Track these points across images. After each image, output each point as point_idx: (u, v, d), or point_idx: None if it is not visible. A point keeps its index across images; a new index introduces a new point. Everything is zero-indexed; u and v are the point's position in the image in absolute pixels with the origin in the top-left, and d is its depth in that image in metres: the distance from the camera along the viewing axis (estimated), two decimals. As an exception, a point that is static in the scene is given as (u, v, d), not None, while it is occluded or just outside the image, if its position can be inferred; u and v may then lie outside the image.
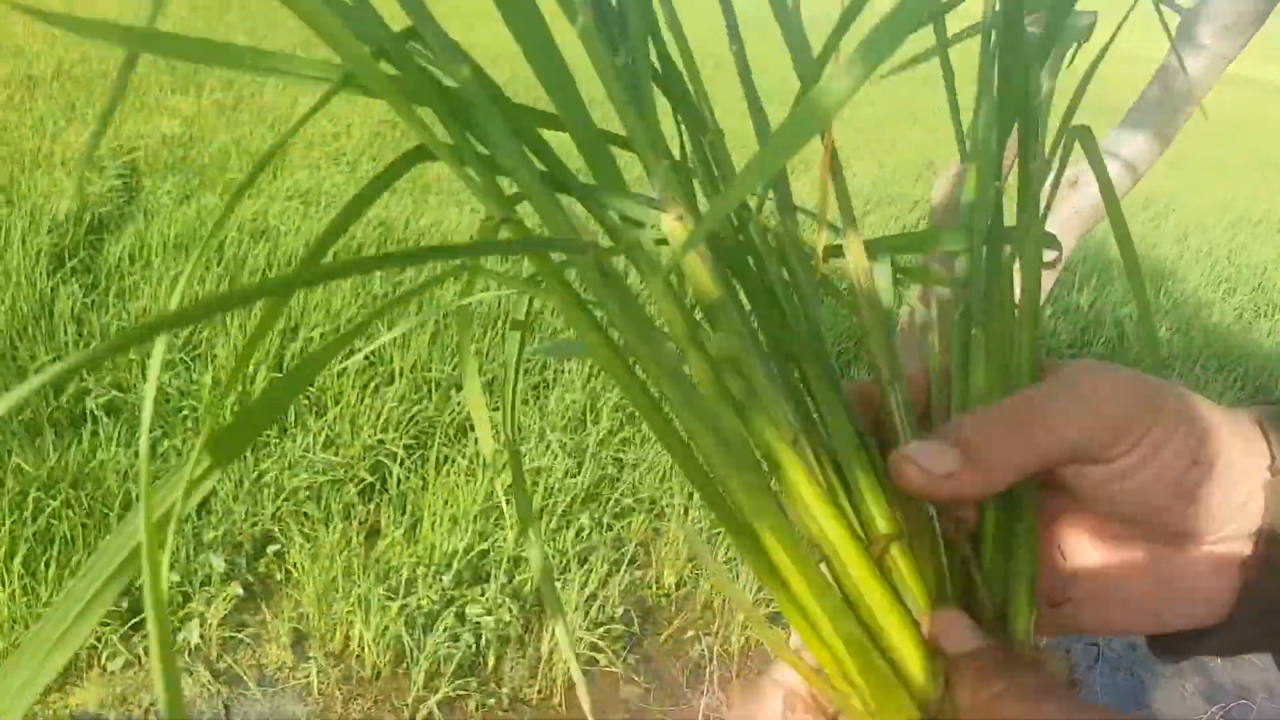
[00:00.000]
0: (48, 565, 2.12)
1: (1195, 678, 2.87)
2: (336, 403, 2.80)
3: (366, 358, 2.98)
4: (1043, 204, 0.44)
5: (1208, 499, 0.34)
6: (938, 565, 0.34)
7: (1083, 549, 0.38)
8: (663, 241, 0.33)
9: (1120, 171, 1.30)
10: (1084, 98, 0.43)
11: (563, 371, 3.18)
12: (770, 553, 0.30)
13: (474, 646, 2.34)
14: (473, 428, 2.99)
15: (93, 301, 2.97)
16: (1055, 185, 0.44)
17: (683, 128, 0.37)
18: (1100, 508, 0.36)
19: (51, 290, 2.93)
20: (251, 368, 2.78)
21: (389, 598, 2.32)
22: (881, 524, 0.33)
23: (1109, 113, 1.78)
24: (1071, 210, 1.24)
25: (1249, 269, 6.41)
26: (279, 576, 2.42)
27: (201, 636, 2.20)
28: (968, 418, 0.34)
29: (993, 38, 0.39)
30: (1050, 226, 0.96)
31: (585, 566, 2.56)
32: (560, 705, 2.32)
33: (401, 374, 2.96)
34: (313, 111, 0.30)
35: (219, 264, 3.18)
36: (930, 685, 0.31)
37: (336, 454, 2.66)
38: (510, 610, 2.41)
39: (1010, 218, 0.41)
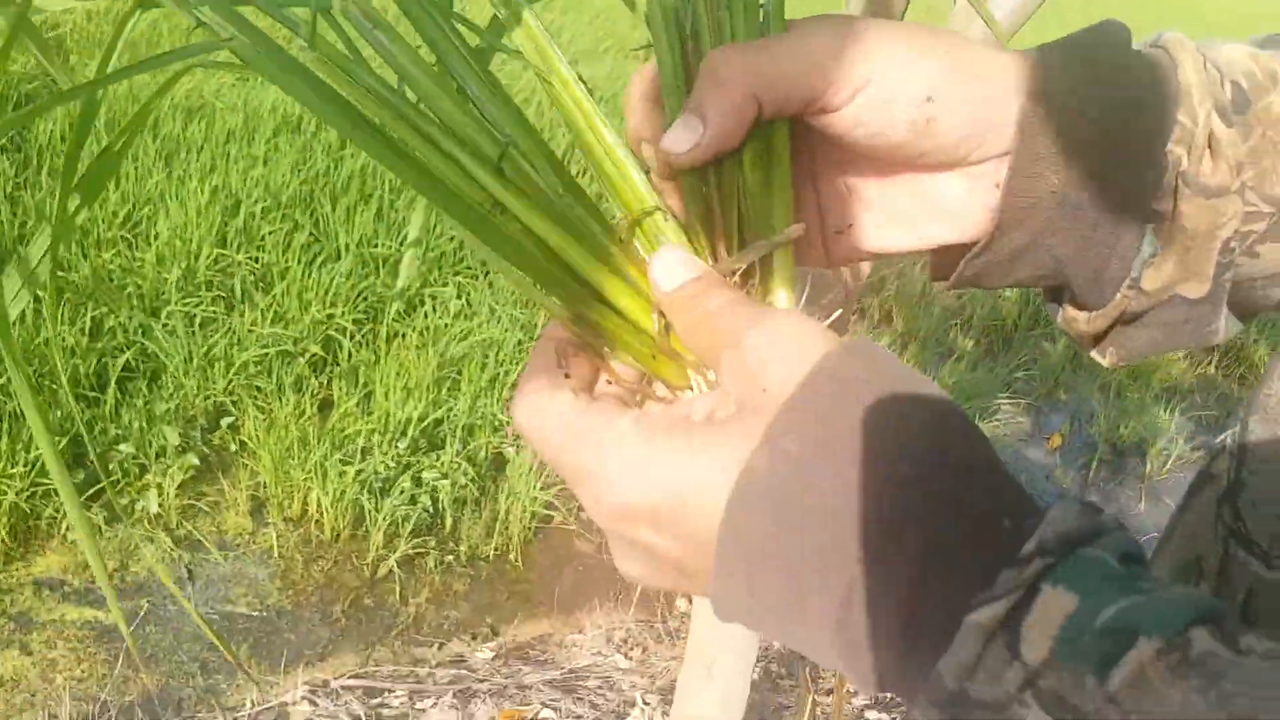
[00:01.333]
0: (-1, 438, 2.14)
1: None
2: (282, 278, 2.79)
3: (311, 233, 2.96)
4: None
5: (946, 131, 0.38)
6: (710, 221, 0.40)
7: (859, 183, 0.43)
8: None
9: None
10: None
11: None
12: (513, 251, 0.37)
13: (431, 509, 2.41)
14: (422, 303, 3.00)
15: (25, 180, 2.90)
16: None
17: None
18: (859, 150, 0.40)
19: (-19, 170, 2.85)
20: (195, 244, 2.75)
21: (345, 463, 2.37)
22: (647, 199, 0.39)
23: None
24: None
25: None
26: (234, 448, 2.45)
27: (160, 505, 2.24)
28: (700, 83, 0.38)
29: None
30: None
31: (537, 432, 2.62)
32: (516, 560, 2.41)
33: (347, 249, 2.95)
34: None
35: (155, 140, 3.10)
36: (649, 324, 0.38)
37: (285, 328, 2.67)
38: (466, 473, 2.47)
39: None
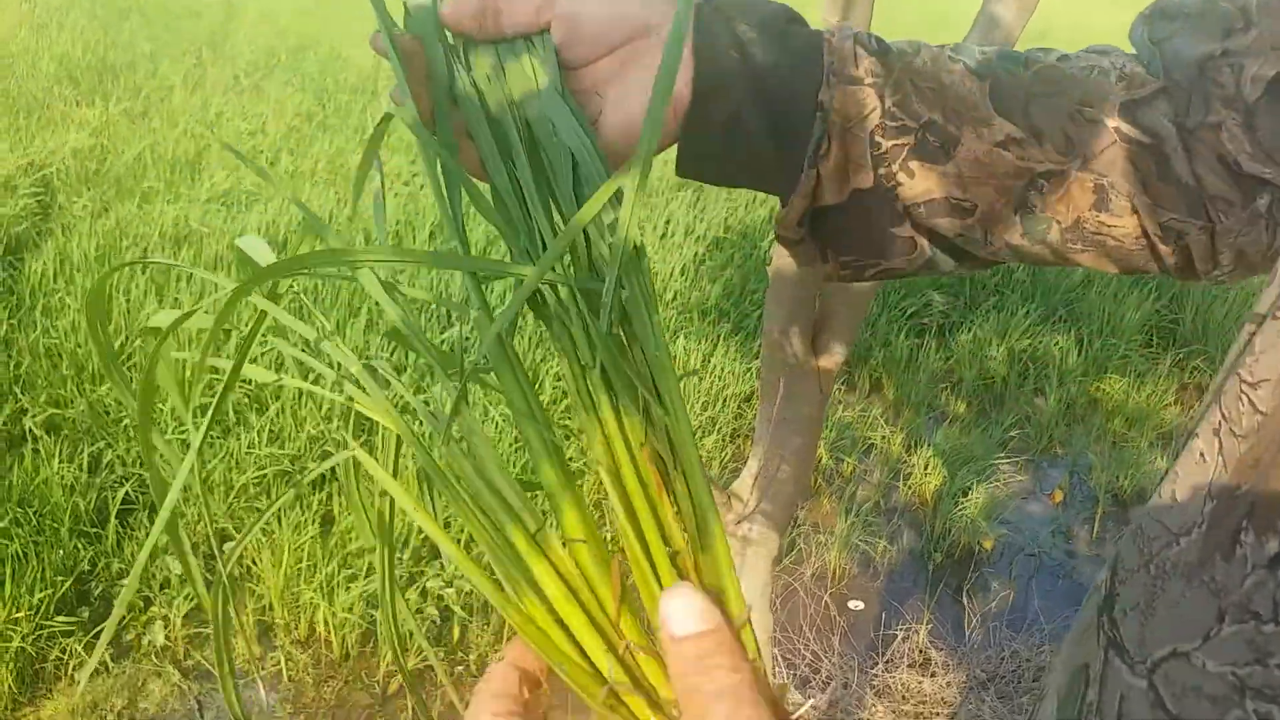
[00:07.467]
0: (1, 584, 2.13)
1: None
2: (276, 398, 2.82)
3: (304, 349, 2.99)
4: None
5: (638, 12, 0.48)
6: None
7: (604, 86, 0.50)
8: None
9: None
10: None
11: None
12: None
13: (438, 619, 2.39)
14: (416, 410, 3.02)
15: (19, 321, 2.94)
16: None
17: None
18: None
19: (-25, 314, 2.89)
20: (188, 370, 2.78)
21: (350, 580, 2.36)
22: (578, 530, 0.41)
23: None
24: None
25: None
26: (238, 572, 2.44)
27: (167, 637, 2.22)
28: None
29: None
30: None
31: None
32: (528, 665, 2.38)
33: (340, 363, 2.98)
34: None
35: (145, 271, 3.15)
36: (609, 670, 0.38)
37: (282, 448, 2.68)
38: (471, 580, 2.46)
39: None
